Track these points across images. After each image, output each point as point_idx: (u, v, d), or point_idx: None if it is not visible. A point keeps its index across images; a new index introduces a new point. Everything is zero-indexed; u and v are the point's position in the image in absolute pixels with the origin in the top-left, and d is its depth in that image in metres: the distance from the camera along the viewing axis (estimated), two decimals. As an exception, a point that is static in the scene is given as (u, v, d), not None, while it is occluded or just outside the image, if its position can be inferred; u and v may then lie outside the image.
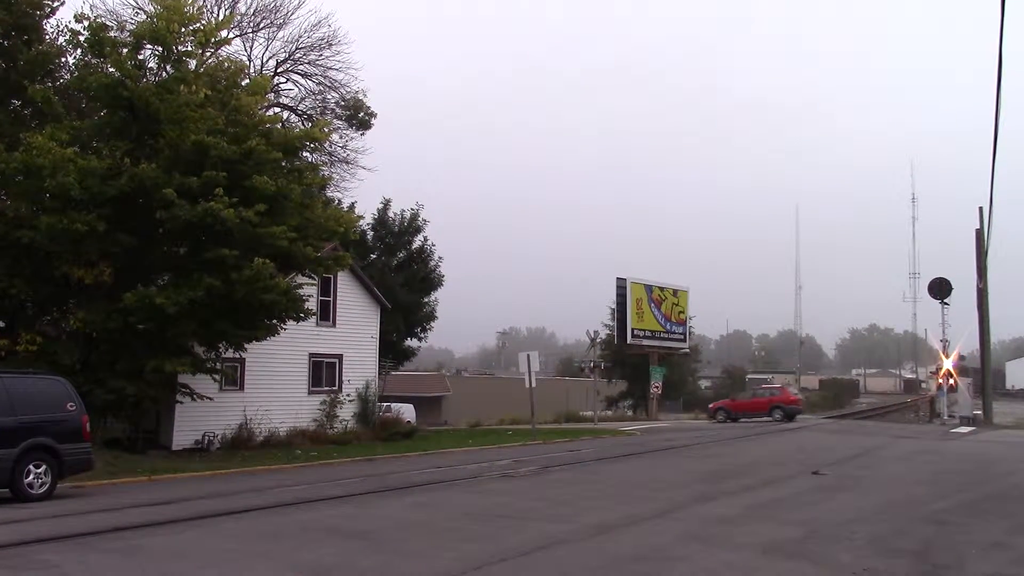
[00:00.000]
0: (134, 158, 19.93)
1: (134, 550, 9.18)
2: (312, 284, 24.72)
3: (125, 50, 20.88)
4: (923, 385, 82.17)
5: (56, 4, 23.20)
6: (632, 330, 47.09)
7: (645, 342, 48.50)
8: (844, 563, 8.32)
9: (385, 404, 31.56)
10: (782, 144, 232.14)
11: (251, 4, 34.91)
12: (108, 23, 23.28)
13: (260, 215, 19.51)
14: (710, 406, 41.72)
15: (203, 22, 22.42)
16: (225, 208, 18.91)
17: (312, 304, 25.10)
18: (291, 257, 21.12)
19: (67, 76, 23.59)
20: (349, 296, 28.92)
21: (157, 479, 17.44)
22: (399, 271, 38.08)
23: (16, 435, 13.57)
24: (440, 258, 39.55)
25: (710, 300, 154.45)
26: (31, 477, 13.70)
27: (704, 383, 78.56)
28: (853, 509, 12.11)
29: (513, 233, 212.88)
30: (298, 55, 36.36)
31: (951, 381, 40.91)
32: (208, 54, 22.62)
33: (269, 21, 35.50)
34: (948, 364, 41.45)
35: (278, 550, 9.11)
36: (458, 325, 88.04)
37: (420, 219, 39.36)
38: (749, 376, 64.70)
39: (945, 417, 40.25)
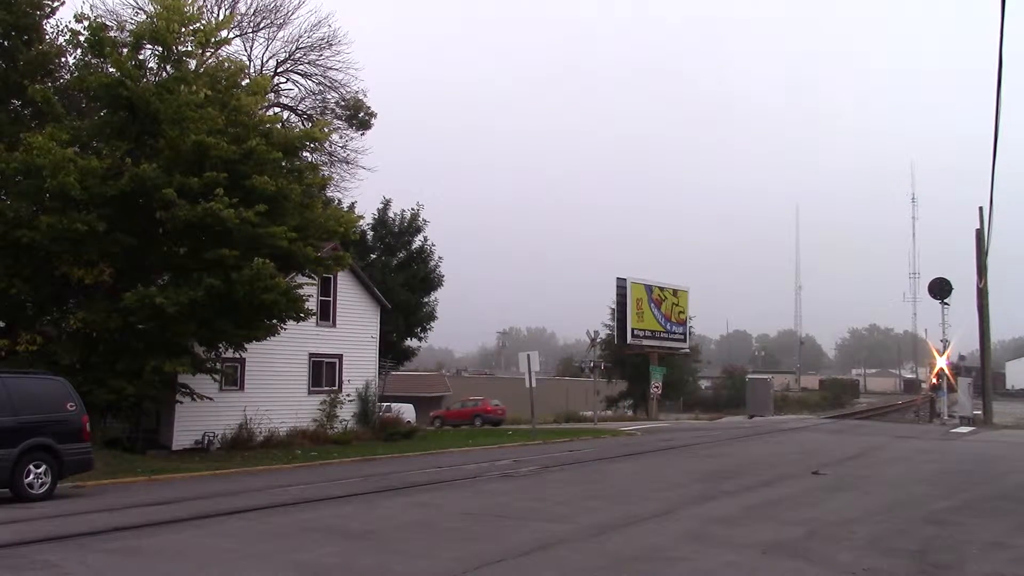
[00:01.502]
0: (134, 158, 19.95)
1: (134, 550, 9.19)
2: (312, 284, 24.73)
3: (125, 50, 20.90)
4: (923, 385, 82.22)
5: (56, 4, 23.19)
6: (632, 330, 47.13)
7: (645, 342, 48.54)
8: (844, 563, 8.31)
9: (385, 404, 31.58)
10: (782, 144, 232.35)
11: (251, 4, 34.97)
12: (108, 23, 23.36)
13: (260, 215, 19.53)
14: (431, 414, 46.94)
15: (203, 22, 22.43)
16: (225, 208, 18.93)
17: (312, 304, 25.09)
18: (291, 257, 21.13)
19: (67, 76, 23.58)
20: (349, 296, 28.92)
21: (157, 479, 17.45)
22: (399, 271, 38.10)
23: (16, 435, 13.58)
24: (440, 258, 39.71)
25: (710, 300, 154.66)
26: (31, 477, 13.71)
27: (704, 383, 78.50)
28: (853, 509, 12.10)
29: (513, 233, 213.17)
30: (298, 55, 36.41)
31: (946, 380, 40.99)
32: (208, 54, 22.63)
33: (269, 21, 35.57)
34: (941, 362, 41.55)
35: (278, 550, 9.11)
36: (458, 325, 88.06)
37: (420, 219, 39.52)
38: (749, 376, 64.66)
39: (945, 417, 40.29)
